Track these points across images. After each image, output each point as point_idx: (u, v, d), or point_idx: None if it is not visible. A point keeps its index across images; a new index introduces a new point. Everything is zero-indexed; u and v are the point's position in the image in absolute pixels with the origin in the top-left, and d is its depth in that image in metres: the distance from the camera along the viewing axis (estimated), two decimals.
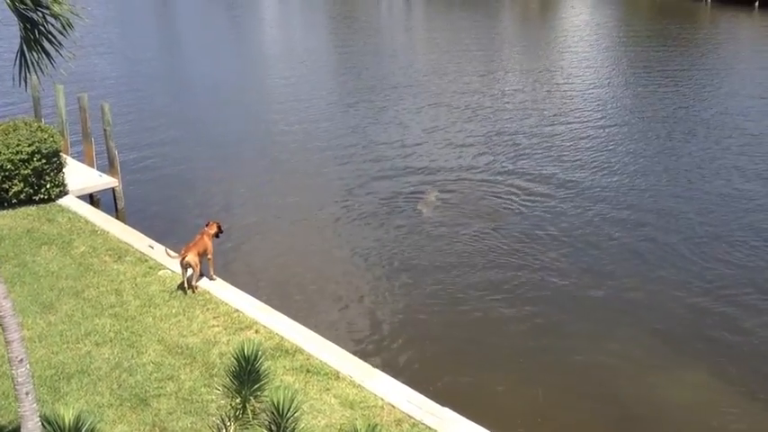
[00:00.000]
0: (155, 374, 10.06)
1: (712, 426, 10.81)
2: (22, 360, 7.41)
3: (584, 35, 42.37)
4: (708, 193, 19.06)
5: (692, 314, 13.64)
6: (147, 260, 13.52)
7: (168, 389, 9.77)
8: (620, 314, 13.66)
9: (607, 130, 24.18)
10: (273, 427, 7.15)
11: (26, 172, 15.46)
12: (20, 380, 7.25)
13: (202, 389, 9.72)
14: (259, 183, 20.21)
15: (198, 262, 12.38)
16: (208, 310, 11.81)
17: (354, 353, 11.25)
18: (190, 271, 12.34)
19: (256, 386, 9.00)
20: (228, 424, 7.74)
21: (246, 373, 8.93)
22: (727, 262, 15.46)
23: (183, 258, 12.16)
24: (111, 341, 10.86)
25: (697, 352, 12.55)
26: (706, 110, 26.45)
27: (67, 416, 5.78)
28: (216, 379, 9.72)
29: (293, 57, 38.20)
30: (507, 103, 27.89)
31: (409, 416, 9.39)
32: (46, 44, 7.72)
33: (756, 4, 48.34)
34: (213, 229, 13.02)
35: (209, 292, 12.34)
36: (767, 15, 46.15)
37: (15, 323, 7.38)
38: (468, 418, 9.45)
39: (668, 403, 11.15)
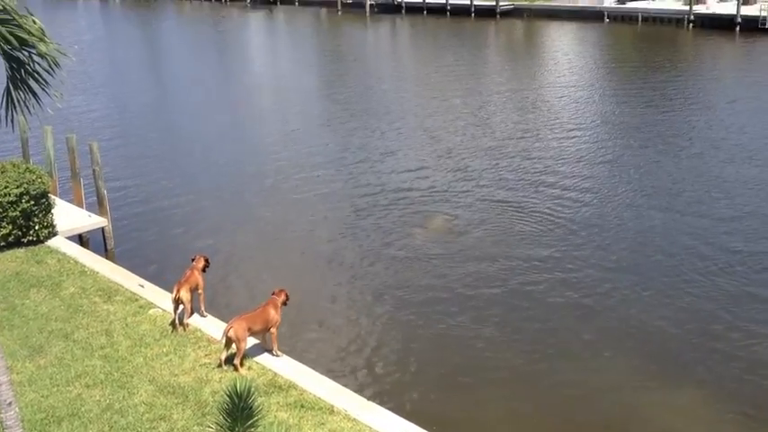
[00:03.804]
0: (146, 415, 9.95)
1: None
2: (10, 403, 7.35)
3: (567, 60, 42.90)
4: (695, 212, 19.31)
5: (682, 335, 13.67)
6: (137, 299, 13.43)
7: (161, 429, 9.66)
8: (611, 337, 13.65)
9: (605, 155, 24.44)
10: None
11: (14, 214, 15.40)
12: (9, 423, 7.18)
13: (195, 428, 9.62)
14: (247, 216, 20.20)
15: (190, 298, 12.30)
16: (199, 347, 11.72)
17: (348, 386, 11.16)
18: (181, 308, 12.27)
19: (249, 422, 8.94)
20: None
21: (239, 410, 8.88)
22: (718, 277, 15.58)
23: (177, 295, 12.07)
24: (101, 383, 10.74)
25: (689, 373, 12.54)
26: (688, 124, 26.83)
27: None
28: (209, 417, 9.62)
29: (281, 87, 38.47)
30: (502, 128, 28.08)
31: None
32: (32, 83, 7.76)
33: (737, 29, 49.17)
34: (201, 264, 12.92)
35: (200, 330, 12.26)
36: (748, 39, 46.88)
37: (3, 366, 7.32)
38: None
39: (662, 429, 11.09)
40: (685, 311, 14.42)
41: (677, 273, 15.95)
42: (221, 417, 9.03)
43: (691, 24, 52.36)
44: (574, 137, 26.58)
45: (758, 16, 48.62)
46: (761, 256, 16.69)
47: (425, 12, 65.18)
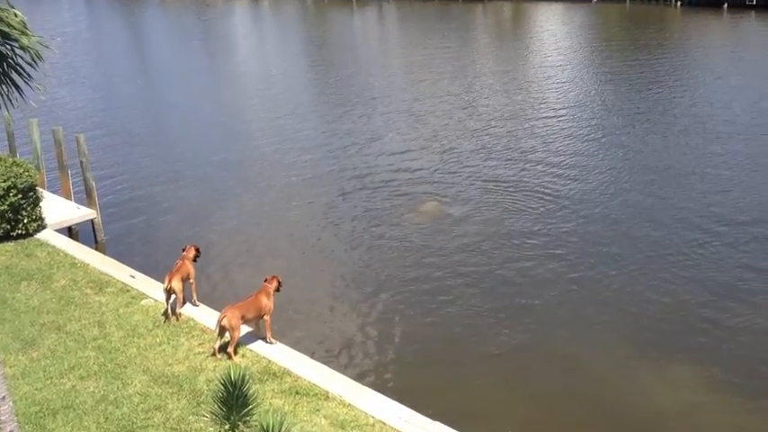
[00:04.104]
0: (141, 405, 9.94)
1: (700, 425, 10.86)
2: (4, 398, 7.32)
3: (554, 41, 42.84)
4: (681, 185, 19.51)
5: (671, 306, 13.83)
6: (129, 290, 13.39)
7: (156, 419, 9.65)
8: (601, 311, 13.75)
9: (592, 134, 24.47)
10: None
11: (2, 208, 15.29)
12: (2, 417, 7.16)
13: (190, 417, 9.61)
14: (237, 204, 20.13)
15: (182, 288, 12.26)
16: (193, 337, 11.71)
17: (343, 372, 11.18)
18: (173, 298, 12.23)
19: (245, 410, 8.97)
20: None
21: (234, 398, 8.90)
22: (704, 249, 15.78)
23: (169, 285, 12.02)
24: (95, 374, 10.72)
25: (678, 344, 12.68)
26: (674, 101, 26.90)
27: None
28: (204, 406, 9.64)
29: (267, 75, 38.27)
30: (489, 110, 28.07)
31: None
32: (15, 77, 7.69)
33: (725, 6, 49.21)
34: (192, 253, 12.85)
35: (192, 319, 12.23)
36: (735, 16, 46.96)
37: None
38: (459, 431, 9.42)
39: (656, 405, 11.18)
40: (673, 283, 14.61)
41: (664, 246, 16.15)
42: (216, 405, 9.05)
43: (679, 2, 52.36)
44: (561, 116, 26.68)
45: None
46: (746, 227, 16.92)
47: None
